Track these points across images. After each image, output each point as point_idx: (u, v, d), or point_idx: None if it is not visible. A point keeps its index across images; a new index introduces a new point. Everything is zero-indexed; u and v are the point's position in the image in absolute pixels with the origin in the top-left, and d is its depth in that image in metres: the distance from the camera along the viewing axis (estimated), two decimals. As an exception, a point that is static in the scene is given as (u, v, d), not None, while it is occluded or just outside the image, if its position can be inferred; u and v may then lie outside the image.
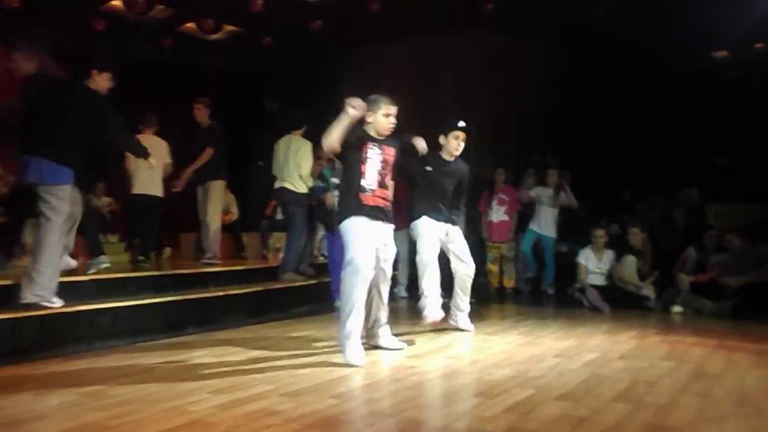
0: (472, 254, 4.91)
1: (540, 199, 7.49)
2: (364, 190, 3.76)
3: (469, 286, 4.86)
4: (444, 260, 4.83)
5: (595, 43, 8.57)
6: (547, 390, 3.02)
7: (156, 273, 5.67)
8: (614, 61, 8.84)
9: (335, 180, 5.68)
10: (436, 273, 4.56)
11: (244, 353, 3.92)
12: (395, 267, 4.12)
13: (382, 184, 3.82)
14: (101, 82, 4.49)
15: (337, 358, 3.65)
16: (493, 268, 7.71)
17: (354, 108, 3.58)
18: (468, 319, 4.89)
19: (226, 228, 7.27)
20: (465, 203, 6.24)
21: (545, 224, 7.49)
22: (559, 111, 8.76)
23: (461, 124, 4.66)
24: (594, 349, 4.11)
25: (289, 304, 6.03)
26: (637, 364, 3.62)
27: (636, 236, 6.58)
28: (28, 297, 4.05)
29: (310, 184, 6.21)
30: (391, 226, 3.93)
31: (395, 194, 4.11)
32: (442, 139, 4.68)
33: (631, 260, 6.41)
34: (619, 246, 6.75)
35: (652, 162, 9.23)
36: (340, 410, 2.71)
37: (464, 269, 4.79)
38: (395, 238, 4.04)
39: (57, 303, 4.16)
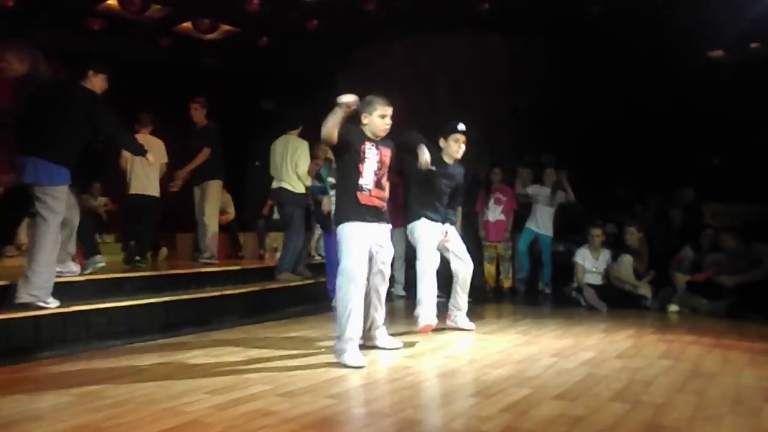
0: (470, 254, 4.91)
1: (537, 198, 7.50)
2: (361, 189, 3.74)
3: (469, 284, 4.86)
4: (443, 260, 4.83)
5: (591, 44, 8.58)
6: (544, 389, 3.02)
7: (152, 273, 5.66)
8: (610, 61, 8.85)
9: (332, 180, 5.67)
10: (434, 280, 4.54)
11: (241, 353, 3.91)
12: (392, 266, 4.09)
13: (378, 185, 3.81)
14: (97, 83, 4.53)
15: (333, 358, 3.64)
16: (490, 267, 7.72)
17: (345, 100, 3.52)
18: (467, 318, 4.90)
19: (222, 228, 7.27)
20: (461, 203, 6.26)
21: (542, 223, 7.51)
22: (556, 110, 8.76)
23: (461, 127, 4.62)
24: (591, 348, 4.11)
25: (286, 304, 6.02)
26: (633, 364, 3.63)
27: (633, 235, 6.59)
28: (23, 297, 4.04)
29: (308, 183, 6.20)
30: (388, 227, 3.92)
31: (393, 192, 4.10)
32: (441, 142, 4.65)
33: (627, 259, 6.42)
34: (616, 245, 6.76)
35: (648, 161, 9.24)
36: (337, 410, 2.70)
37: (465, 268, 4.79)
38: (392, 237, 4.03)
39: (52, 304, 4.15)
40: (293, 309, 5.93)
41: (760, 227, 6.67)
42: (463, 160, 4.86)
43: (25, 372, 3.44)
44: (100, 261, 5.11)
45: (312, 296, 6.34)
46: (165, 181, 6.42)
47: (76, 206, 4.67)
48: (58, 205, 4.15)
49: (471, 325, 4.86)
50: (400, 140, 4.12)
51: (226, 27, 8.84)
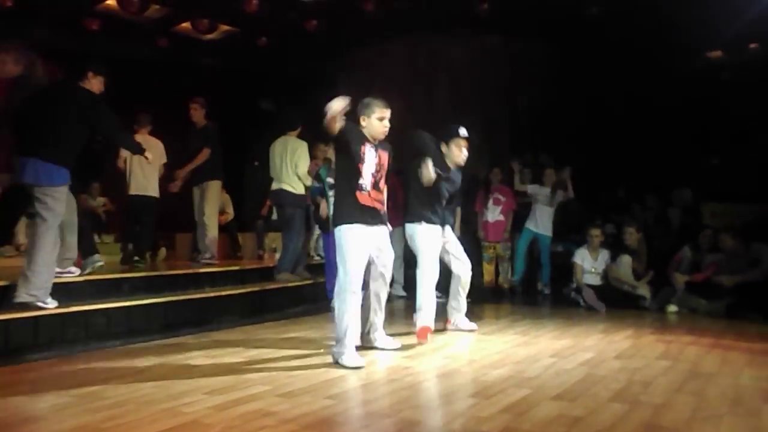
0: (468, 254, 4.91)
1: (537, 197, 7.50)
2: (361, 188, 3.72)
3: (468, 284, 4.87)
4: (441, 261, 4.82)
5: (590, 44, 8.58)
6: (543, 390, 3.02)
7: (151, 273, 5.65)
8: (609, 62, 8.86)
9: (330, 180, 5.67)
10: (434, 287, 4.52)
11: (240, 354, 3.91)
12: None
13: (376, 187, 3.79)
14: (96, 84, 4.54)
15: (332, 360, 3.64)
16: (489, 267, 7.72)
17: (333, 109, 3.41)
18: (467, 319, 4.90)
19: (221, 228, 7.26)
20: (459, 203, 6.26)
21: (542, 223, 7.51)
22: (555, 111, 8.77)
23: (463, 132, 4.60)
24: (590, 348, 4.12)
25: (285, 305, 6.02)
26: (632, 364, 3.63)
27: (631, 236, 6.59)
28: (22, 296, 4.04)
29: (308, 183, 6.20)
30: (387, 229, 3.92)
31: (392, 192, 4.08)
32: (443, 147, 4.61)
33: (626, 260, 6.42)
34: (615, 246, 6.76)
35: (647, 162, 9.25)
36: (336, 411, 2.70)
37: (466, 270, 4.80)
38: (391, 237, 4.02)
39: (51, 304, 4.15)
40: (292, 309, 5.93)
41: (759, 227, 6.67)
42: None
43: (24, 372, 3.44)
44: (99, 260, 5.11)
45: (311, 297, 6.34)
46: (164, 181, 6.42)
47: (75, 207, 4.67)
48: (58, 206, 4.16)
49: (472, 326, 4.86)
50: (412, 143, 4.12)
51: (225, 27, 8.84)
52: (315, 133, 6.49)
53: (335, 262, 3.80)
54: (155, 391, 2.98)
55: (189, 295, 5.31)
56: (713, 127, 8.92)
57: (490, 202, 7.66)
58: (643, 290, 6.24)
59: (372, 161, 3.75)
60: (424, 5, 7.90)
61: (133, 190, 6.24)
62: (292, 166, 6.15)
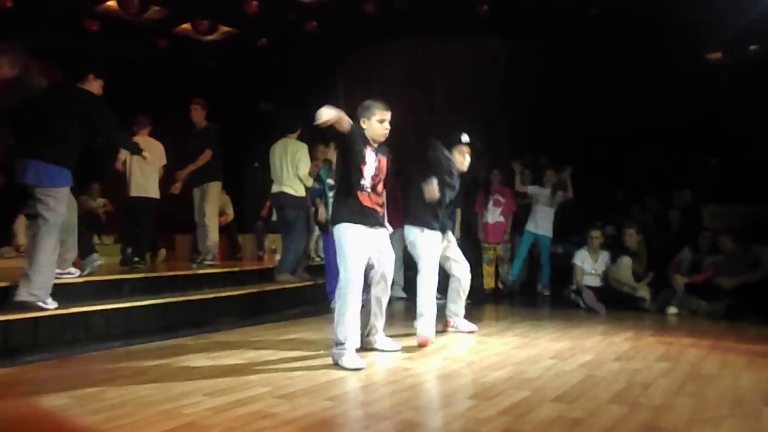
0: (468, 255, 4.90)
1: (537, 198, 7.50)
2: (362, 188, 3.72)
3: (468, 287, 4.88)
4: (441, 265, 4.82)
5: (589, 46, 8.59)
6: (542, 392, 3.02)
7: (150, 275, 5.65)
8: (608, 63, 8.86)
9: (330, 181, 5.67)
10: (435, 292, 4.52)
11: (239, 355, 3.90)
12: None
13: (374, 190, 3.79)
14: (95, 87, 4.59)
15: (331, 361, 3.63)
16: (489, 269, 7.71)
17: (322, 119, 3.38)
18: (466, 321, 4.90)
19: (221, 229, 7.26)
20: (459, 205, 6.25)
21: (542, 224, 7.51)
22: (554, 112, 8.78)
23: (465, 138, 4.61)
24: (590, 350, 4.11)
25: (285, 306, 6.01)
26: (632, 366, 3.63)
27: (631, 237, 6.59)
28: (23, 295, 4.05)
29: (309, 184, 6.20)
30: (386, 231, 3.91)
31: (391, 194, 4.08)
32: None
33: (626, 261, 6.42)
34: (615, 247, 6.76)
35: (647, 163, 9.26)
36: (336, 412, 2.70)
37: (466, 273, 4.80)
38: (393, 238, 4.02)
39: (51, 305, 4.16)
40: (292, 311, 5.92)
41: (759, 229, 6.67)
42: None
43: (23, 374, 3.44)
44: (97, 260, 5.12)
45: (311, 298, 6.34)
46: (164, 182, 6.41)
47: (75, 208, 4.69)
48: (60, 207, 4.18)
49: (472, 327, 4.87)
50: (427, 153, 4.17)
51: (225, 28, 8.84)
52: (314, 135, 6.51)
53: (335, 264, 3.80)
54: (155, 393, 2.98)
55: (188, 296, 5.30)
56: (713, 129, 8.92)
57: (490, 203, 7.66)
58: (643, 292, 6.24)
59: (372, 164, 3.75)
60: (424, 7, 7.90)
61: (134, 192, 6.24)
62: (293, 169, 6.15)
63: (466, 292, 4.88)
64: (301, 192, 6.21)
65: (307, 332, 4.81)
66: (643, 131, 9.38)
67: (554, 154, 8.37)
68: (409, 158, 7.18)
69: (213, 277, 5.96)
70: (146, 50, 9.01)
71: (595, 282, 6.48)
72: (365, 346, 3.98)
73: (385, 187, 3.91)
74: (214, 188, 6.49)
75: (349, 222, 3.67)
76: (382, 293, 3.93)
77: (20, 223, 6.54)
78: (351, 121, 3.58)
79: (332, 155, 5.86)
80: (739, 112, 8.65)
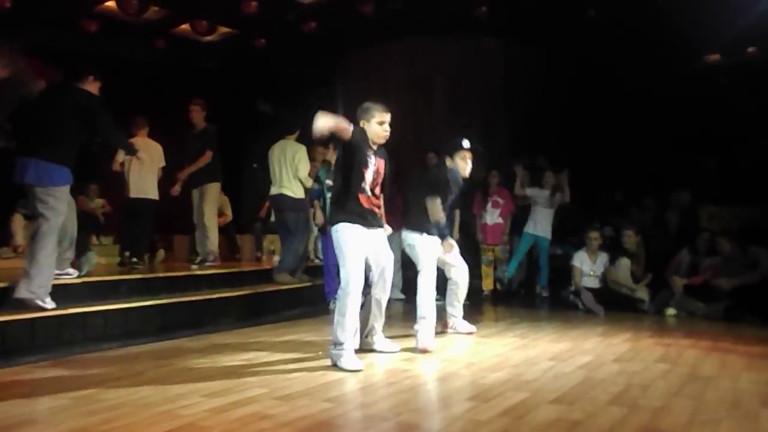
0: (466, 257, 4.90)
1: (536, 200, 7.50)
2: (363, 191, 3.71)
3: (466, 289, 4.88)
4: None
5: (587, 47, 8.60)
6: (541, 393, 3.02)
7: (149, 275, 5.64)
8: (606, 64, 8.87)
9: (329, 182, 5.66)
10: (434, 295, 4.51)
11: (237, 356, 3.90)
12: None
13: (373, 192, 3.79)
14: (94, 88, 4.62)
15: (330, 362, 3.63)
16: (488, 270, 7.71)
17: (318, 128, 3.41)
18: (465, 322, 4.90)
19: (219, 230, 7.25)
20: (458, 207, 6.26)
21: (541, 225, 7.50)
22: (552, 114, 8.78)
23: (466, 144, 4.61)
24: (588, 352, 4.11)
25: (283, 307, 6.00)
26: (631, 367, 3.62)
27: (630, 239, 6.59)
28: (22, 292, 4.06)
29: (309, 185, 6.20)
30: (384, 231, 3.91)
31: (393, 198, 4.08)
32: (448, 161, 4.60)
33: (625, 263, 6.42)
34: (613, 248, 6.76)
35: (645, 164, 9.26)
36: (334, 414, 2.70)
37: (465, 276, 4.80)
38: (392, 241, 4.01)
39: (49, 305, 4.16)
40: (290, 312, 5.91)
41: (756, 230, 6.68)
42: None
43: (20, 375, 3.42)
44: (93, 257, 5.13)
45: (309, 299, 6.33)
46: (163, 183, 6.41)
47: (74, 207, 4.70)
48: (60, 205, 4.21)
49: (472, 328, 4.86)
50: (434, 173, 4.37)
51: (224, 29, 8.84)
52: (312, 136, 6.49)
53: (333, 265, 3.80)
54: (152, 394, 2.97)
55: (187, 297, 5.29)
56: (711, 130, 8.93)
57: (489, 204, 7.66)
58: (642, 293, 6.24)
59: (371, 168, 3.75)
60: (422, 8, 7.90)
61: (133, 193, 6.23)
62: (292, 170, 6.14)
63: (464, 295, 4.88)
64: (300, 194, 6.21)
65: (305, 333, 4.80)
66: (641, 133, 9.38)
67: (553, 155, 8.36)
68: (408, 159, 7.22)
69: (211, 278, 5.95)
70: (145, 51, 9.01)
71: (594, 283, 6.48)
72: (364, 348, 3.97)
73: (383, 190, 3.91)
74: (213, 189, 6.49)
75: (348, 222, 3.67)
76: (381, 294, 3.92)
77: (18, 224, 6.53)
78: (351, 126, 3.57)
79: (331, 156, 5.86)
80: (737, 114, 8.66)
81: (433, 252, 4.50)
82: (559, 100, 8.86)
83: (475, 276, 6.23)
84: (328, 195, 5.55)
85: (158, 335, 4.57)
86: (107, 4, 7.79)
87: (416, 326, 4.29)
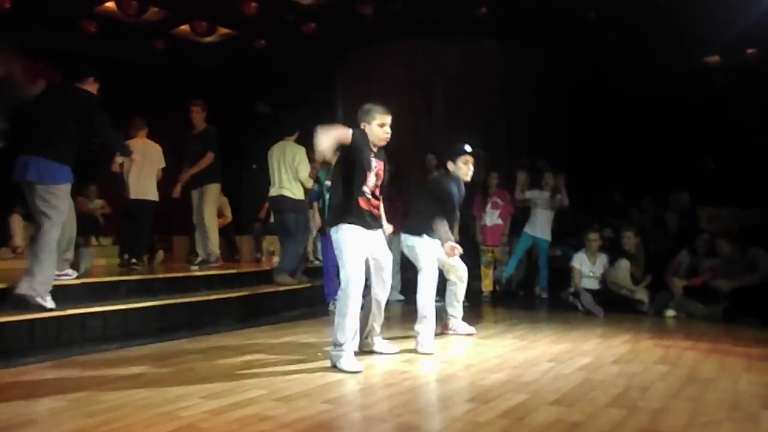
0: (465, 258, 4.89)
1: (535, 201, 7.50)
2: (363, 194, 3.71)
3: (465, 290, 4.88)
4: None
5: (587, 48, 8.60)
6: (541, 395, 3.02)
7: (148, 276, 5.64)
8: (605, 65, 8.87)
9: (329, 183, 5.65)
10: (434, 296, 4.48)
11: (236, 358, 3.89)
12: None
13: (373, 194, 3.79)
14: (93, 89, 4.66)
15: (329, 363, 3.62)
16: (487, 271, 7.70)
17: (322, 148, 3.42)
18: (465, 323, 4.90)
19: (219, 231, 7.24)
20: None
21: (540, 227, 7.50)
22: (551, 115, 8.78)
23: (468, 148, 4.62)
24: (588, 353, 4.11)
25: (282, 308, 6.00)
26: (630, 369, 3.62)
27: (630, 240, 6.59)
28: (24, 288, 4.07)
29: (310, 185, 6.19)
30: (382, 233, 3.91)
31: (392, 200, 4.07)
32: (450, 166, 4.61)
33: (624, 264, 6.42)
34: (613, 250, 6.76)
35: (644, 165, 9.26)
36: (333, 415, 2.69)
37: (464, 277, 4.80)
38: (391, 243, 4.01)
39: (49, 303, 4.17)
40: (290, 313, 5.91)
41: (755, 232, 6.68)
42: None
43: (20, 376, 3.42)
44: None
45: (308, 300, 6.32)
46: (163, 184, 6.40)
47: (73, 208, 4.71)
48: (61, 204, 4.24)
49: (470, 330, 4.86)
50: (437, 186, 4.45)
51: (224, 30, 8.83)
52: (312, 137, 6.49)
53: (333, 266, 3.79)
54: (151, 395, 2.96)
55: (186, 298, 5.29)
56: (710, 132, 8.93)
57: (488, 205, 7.65)
58: (641, 295, 6.24)
59: (373, 170, 3.75)
60: (422, 9, 7.90)
61: (133, 195, 6.22)
62: (292, 172, 6.14)
63: (463, 296, 4.88)
64: (300, 195, 6.20)
65: (304, 334, 4.80)
66: (640, 134, 9.38)
67: (552, 156, 8.37)
68: (407, 160, 7.22)
69: (210, 279, 5.94)
70: (144, 51, 9.00)
71: (593, 285, 6.47)
72: (363, 349, 3.97)
73: (382, 191, 3.91)
74: (213, 190, 6.48)
75: (347, 224, 3.66)
76: (381, 294, 3.92)
77: (17, 225, 6.54)
78: (350, 132, 3.56)
79: (331, 157, 5.85)
80: (737, 115, 8.66)
81: (433, 252, 4.49)
82: (559, 101, 8.86)
83: (474, 277, 6.22)
84: (328, 196, 5.55)
85: (157, 336, 4.56)
86: (107, 4, 7.78)
87: (417, 327, 4.28)
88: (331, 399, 2.94)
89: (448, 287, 4.86)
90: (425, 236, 4.49)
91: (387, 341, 4.14)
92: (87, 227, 7.64)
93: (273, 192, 6.24)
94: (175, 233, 8.49)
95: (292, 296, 6.25)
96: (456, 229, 6.51)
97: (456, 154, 4.60)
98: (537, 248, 7.62)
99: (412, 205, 4.86)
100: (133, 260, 6.21)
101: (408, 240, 4.56)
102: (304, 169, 6.16)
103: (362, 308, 3.81)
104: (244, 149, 9.34)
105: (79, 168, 4.44)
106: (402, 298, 6.81)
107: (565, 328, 5.23)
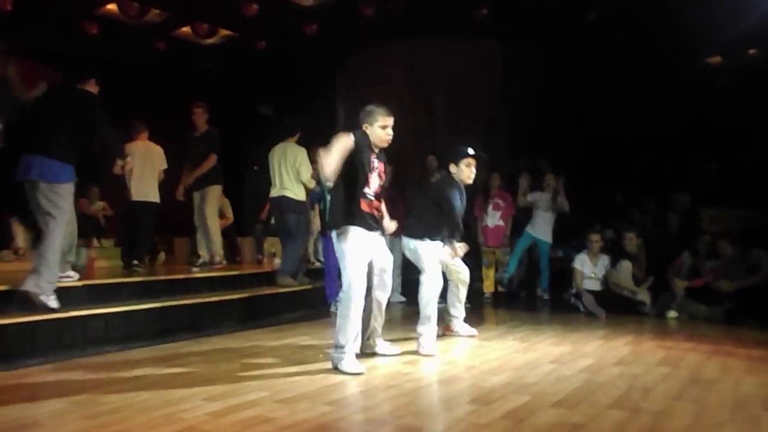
0: (467, 259, 4.90)
1: (537, 203, 7.50)
2: (365, 196, 3.70)
3: (466, 292, 4.88)
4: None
5: (588, 49, 8.59)
6: (542, 397, 3.01)
7: (149, 278, 5.64)
8: (607, 66, 8.87)
9: (330, 184, 5.65)
10: (437, 299, 4.49)
11: (238, 359, 3.89)
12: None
13: (377, 196, 3.79)
14: (94, 91, 4.71)
15: (331, 365, 3.62)
16: (489, 272, 7.70)
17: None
18: (467, 325, 4.90)
19: (221, 233, 7.24)
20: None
21: (541, 229, 7.49)
22: (553, 116, 8.77)
23: (471, 151, 4.62)
24: (589, 355, 4.10)
25: (284, 310, 6.00)
26: (632, 370, 3.62)
27: (631, 241, 6.58)
28: (30, 285, 4.09)
29: (312, 186, 6.19)
30: (383, 235, 3.91)
31: (394, 201, 4.07)
32: (453, 168, 4.60)
33: (626, 265, 6.41)
34: (614, 251, 6.75)
35: (645, 166, 9.26)
36: (335, 417, 2.69)
37: (465, 279, 4.81)
38: (392, 245, 4.01)
39: (53, 303, 4.18)
40: (291, 315, 5.91)
41: (757, 233, 6.67)
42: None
43: (22, 378, 3.42)
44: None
45: (310, 302, 6.32)
46: (165, 186, 6.40)
47: (73, 212, 4.71)
48: (65, 203, 4.26)
49: (472, 332, 4.86)
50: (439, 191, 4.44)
51: (225, 32, 8.84)
52: (313, 139, 6.50)
53: (334, 268, 3.79)
54: (153, 397, 2.96)
55: (187, 299, 5.29)
56: (712, 132, 8.92)
57: (490, 207, 7.65)
58: (643, 296, 6.23)
59: (376, 172, 3.75)
60: (423, 10, 7.91)
61: (134, 196, 6.22)
62: (294, 173, 6.14)
63: (464, 298, 4.88)
64: (301, 196, 6.20)
65: (306, 336, 4.80)
66: (642, 135, 9.38)
67: (553, 157, 8.36)
68: (408, 161, 7.22)
69: (212, 281, 5.94)
70: (145, 53, 9.01)
71: (595, 286, 6.47)
72: (365, 350, 3.96)
73: (384, 193, 3.90)
74: (215, 191, 6.49)
75: (349, 226, 3.66)
76: (381, 295, 3.92)
77: (18, 226, 6.53)
78: (351, 137, 3.55)
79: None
80: (738, 116, 8.66)
81: (436, 255, 4.49)
82: (560, 102, 8.86)
83: (475, 279, 6.22)
84: (329, 197, 5.55)
85: (159, 338, 4.56)
86: (108, 6, 7.80)
87: (418, 329, 4.28)
88: (332, 401, 2.93)
89: (450, 288, 4.85)
90: (427, 239, 4.49)
91: (388, 343, 4.14)
92: (88, 229, 7.65)
93: (274, 193, 6.24)
94: (177, 235, 8.48)
95: (293, 298, 6.25)
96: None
97: (458, 156, 4.60)
98: (538, 250, 7.61)
99: (413, 207, 4.86)
100: (135, 262, 6.22)
101: (410, 243, 4.55)
102: (306, 171, 6.16)
103: (363, 310, 3.80)
104: (246, 151, 9.34)
105: (81, 169, 4.46)
106: (404, 299, 6.80)
107: (566, 329, 5.22)
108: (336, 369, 3.53)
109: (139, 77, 8.64)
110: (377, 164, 3.76)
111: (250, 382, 3.27)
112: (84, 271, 5.15)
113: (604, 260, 6.56)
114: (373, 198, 3.74)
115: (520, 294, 7.83)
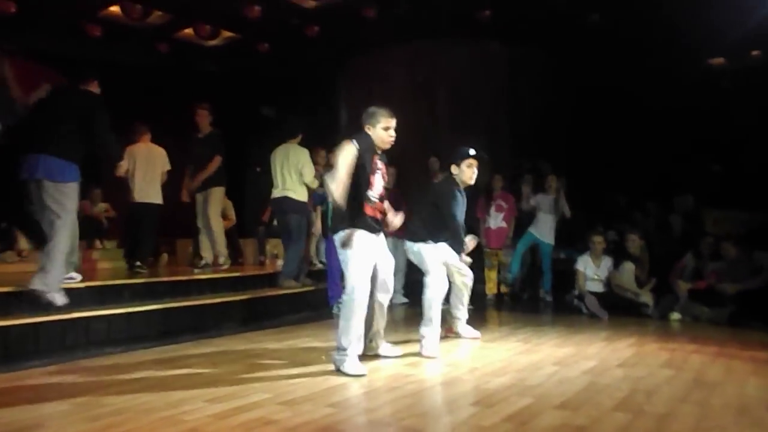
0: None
1: (540, 206, 7.49)
2: (369, 200, 3.70)
3: (469, 294, 4.88)
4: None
5: (591, 51, 8.59)
6: (545, 399, 3.00)
7: (152, 280, 5.63)
8: (609, 69, 8.86)
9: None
10: (441, 301, 4.48)
11: (240, 361, 3.89)
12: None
13: (381, 198, 3.79)
14: (97, 92, 4.75)
15: (333, 367, 3.62)
16: (491, 274, 7.69)
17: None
18: (469, 327, 4.89)
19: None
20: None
21: (544, 231, 7.49)
22: (555, 118, 8.77)
23: (473, 151, 4.62)
24: (593, 356, 4.09)
25: (286, 312, 6.00)
26: (636, 373, 3.61)
27: (634, 243, 6.57)
28: (37, 284, 4.11)
29: (315, 186, 6.20)
30: (384, 237, 3.91)
31: (396, 204, 4.07)
32: (454, 169, 4.59)
33: (629, 267, 6.40)
34: (617, 253, 6.74)
35: (648, 168, 9.24)
36: (338, 419, 2.69)
37: (468, 281, 4.80)
38: (395, 247, 4.00)
39: (59, 300, 4.19)
40: (293, 316, 5.91)
41: (761, 235, 6.65)
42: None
43: (24, 379, 3.42)
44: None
45: (312, 303, 6.32)
46: (167, 187, 6.41)
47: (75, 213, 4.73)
48: (70, 203, 4.29)
49: (476, 333, 4.85)
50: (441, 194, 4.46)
51: (227, 33, 8.85)
52: (315, 140, 6.51)
53: (336, 269, 3.78)
54: (155, 399, 2.96)
55: (190, 301, 5.29)
56: (715, 134, 8.90)
57: (492, 208, 7.65)
58: (646, 298, 6.22)
59: (379, 173, 3.74)
60: (426, 12, 7.91)
61: (137, 198, 6.23)
62: (296, 174, 6.14)
63: (467, 300, 4.87)
64: (304, 197, 6.21)
65: (308, 338, 4.80)
66: (645, 136, 9.36)
67: (557, 159, 8.35)
68: (411, 163, 7.21)
69: (214, 282, 5.94)
70: (148, 55, 9.03)
71: (598, 288, 6.46)
72: (367, 352, 3.96)
73: (387, 196, 3.90)
74: (218, 193, 6.50)
75: (355, 228, 3.65)
76: (384, 297, 3.92)
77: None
78: (352, 147, 3.52)
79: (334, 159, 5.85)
80: (741, 118, 8.64)
81: (439, 257, 4.49)
82: (563, 104, 8.85)
83: (478, 280, 6.21)
84: (328, 199, 5.54)
85: (161, 340, 4.57)
86: (111, 8, 7.81)
87: (421, 330, 4.27)
88: (335, 402, 2.93)
89: (453, 290, 4.84)
90: (430, 242, 4.48)
91: (391, 344, 4.14)
92: (91, 230, 7.66)
93: (276, 193, 6.24)
94: (179, 236, 8.49)
95: (295, 299, 6.24)
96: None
97: (460, 157, 4.59)
98: (541, 252, 7.61)
99: (414, 209, 4.85)
100: (137, 263, 6.22)
101: (413, 246, 4.55)
102: (309, 172, 6.16)
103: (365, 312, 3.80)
104: (248, 152, 9.35)
105: (84, 171, 4.47)
106: (406, 300, 6.80)
107: (569, 331, 5.21)
108: (338, 371, 3.53)
109: (141, 79, 8.66)
110: (380, 165, 3.76)
111: (252, 384, 3.27)
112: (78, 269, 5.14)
113: (607, 262, 6.55)
114: (376, 200, 3.74)
115: (523, 296, 7.82)
